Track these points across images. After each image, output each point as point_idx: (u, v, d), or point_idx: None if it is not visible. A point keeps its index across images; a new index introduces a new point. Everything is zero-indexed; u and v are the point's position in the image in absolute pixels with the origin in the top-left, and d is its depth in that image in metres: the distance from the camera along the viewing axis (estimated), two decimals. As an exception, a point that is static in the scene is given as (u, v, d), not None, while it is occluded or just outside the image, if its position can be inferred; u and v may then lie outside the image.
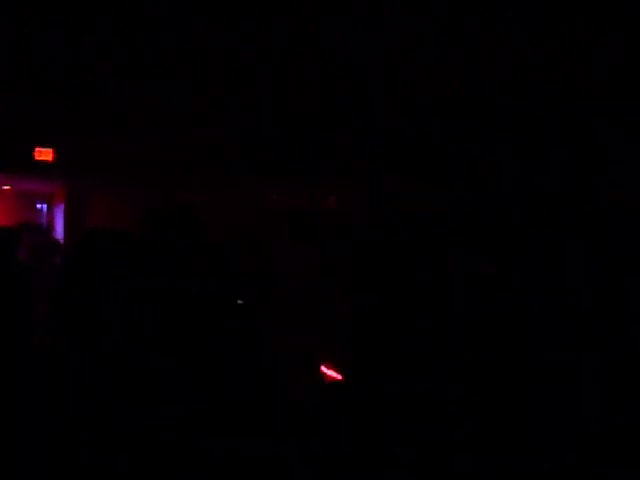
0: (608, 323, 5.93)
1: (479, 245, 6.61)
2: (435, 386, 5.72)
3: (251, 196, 8.99)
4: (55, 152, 10.60)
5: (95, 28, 6.19)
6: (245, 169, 8.81)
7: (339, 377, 5.84)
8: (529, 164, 6.83)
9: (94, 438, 4.29)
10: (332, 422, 5.52)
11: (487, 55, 6.24)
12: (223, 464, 4.65)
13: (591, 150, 6.60)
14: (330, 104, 7.27)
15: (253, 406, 4.76)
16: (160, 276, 4.51)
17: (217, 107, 7.88)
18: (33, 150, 10.55)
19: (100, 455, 4.29)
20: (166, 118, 8.54)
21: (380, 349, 6.03)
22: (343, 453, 5.29)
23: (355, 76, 6.83)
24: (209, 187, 9.41)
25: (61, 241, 11.51)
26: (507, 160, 6.87)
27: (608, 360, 5.77)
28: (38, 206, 15.83)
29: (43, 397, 4.47)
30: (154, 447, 4.34)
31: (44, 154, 10.63)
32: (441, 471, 5.20)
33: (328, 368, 5.87)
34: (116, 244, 4.61)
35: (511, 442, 5.37)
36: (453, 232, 6.77)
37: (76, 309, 4.50)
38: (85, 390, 4.36)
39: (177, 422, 4.43)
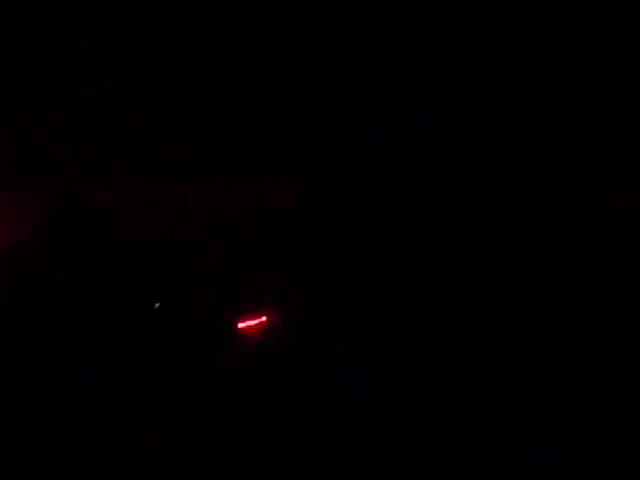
0: (608, 323, 5.93)
1: (479, 245, 6.61)
2: (435, 386, 5.72)
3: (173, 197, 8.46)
4: None
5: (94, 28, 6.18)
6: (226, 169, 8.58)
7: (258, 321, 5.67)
8: (529, 164, 6.82)
9: (94, 438, 4.29)
10: (332, 421, 5.51)
11: (487, 55, 6.24)
12: (223, 464, 4.64)
13: (591, 150, 6.60)
14: (330, 104, 7.26)
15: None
16: (73, 281, 4.48)
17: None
18: None
19: (100, 455, 4.29)
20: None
21: (380, 349, 6.02)
22: (343, 453, 5.28)
23: (355, 76, 6.83)
24: (131, 187, 8.63)
25: None
26: (507, 160, 6.87)
27: (608, 360, 5.77)
28: None
29: (43, 397, 4.46)
30: (154, 447, 4.34)
31: None
32: (441, 471, 5.20)
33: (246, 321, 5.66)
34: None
35: (511, 442, 5.37)
36: (453, 232, 6.77)
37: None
38: (85, 390, 4.36)
39: (177, 422, 4.43)
